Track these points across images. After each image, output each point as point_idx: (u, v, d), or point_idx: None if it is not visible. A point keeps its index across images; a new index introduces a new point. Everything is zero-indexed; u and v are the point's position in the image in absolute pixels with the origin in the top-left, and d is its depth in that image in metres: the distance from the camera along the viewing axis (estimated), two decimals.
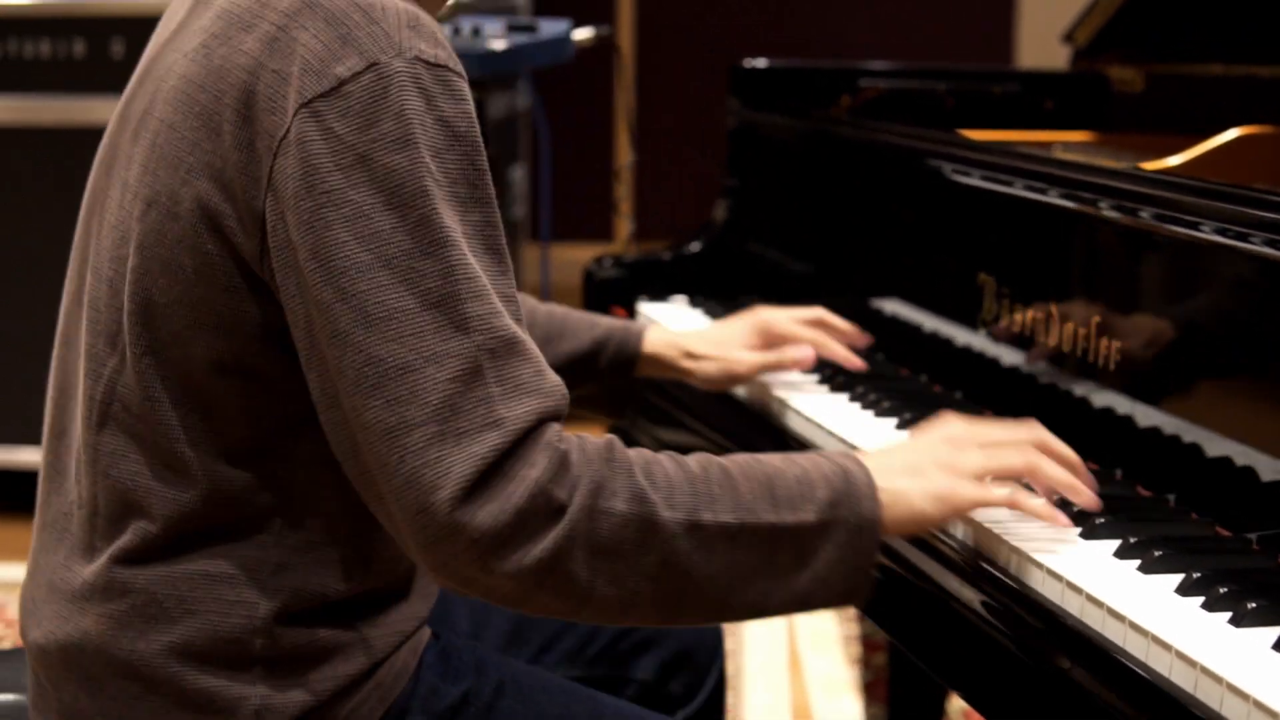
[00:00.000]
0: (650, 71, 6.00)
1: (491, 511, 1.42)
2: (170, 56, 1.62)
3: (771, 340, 2.22)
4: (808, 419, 2.09)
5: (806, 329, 2.23)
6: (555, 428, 1.48)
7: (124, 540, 1.62)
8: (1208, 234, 1.72)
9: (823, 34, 5.92)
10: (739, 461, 1.55)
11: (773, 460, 1.56)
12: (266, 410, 1.58)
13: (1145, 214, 1.82)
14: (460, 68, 1.53)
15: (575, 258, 5.28)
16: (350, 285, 1.45)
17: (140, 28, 4.25)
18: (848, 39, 5.88)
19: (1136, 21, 2.90)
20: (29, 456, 4.42)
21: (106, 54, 4.29)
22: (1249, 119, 2.31)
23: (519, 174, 4.63)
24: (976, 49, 5.54)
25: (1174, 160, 2.34)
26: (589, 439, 1.50)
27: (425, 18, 1.53)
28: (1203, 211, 1.73)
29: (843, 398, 2.16)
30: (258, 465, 1.60)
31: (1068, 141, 2.74)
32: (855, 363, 2.21)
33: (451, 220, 1.47)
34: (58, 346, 1.74)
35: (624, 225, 5.02)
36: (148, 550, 1.61)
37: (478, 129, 1.53)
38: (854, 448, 1.94)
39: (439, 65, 1.50)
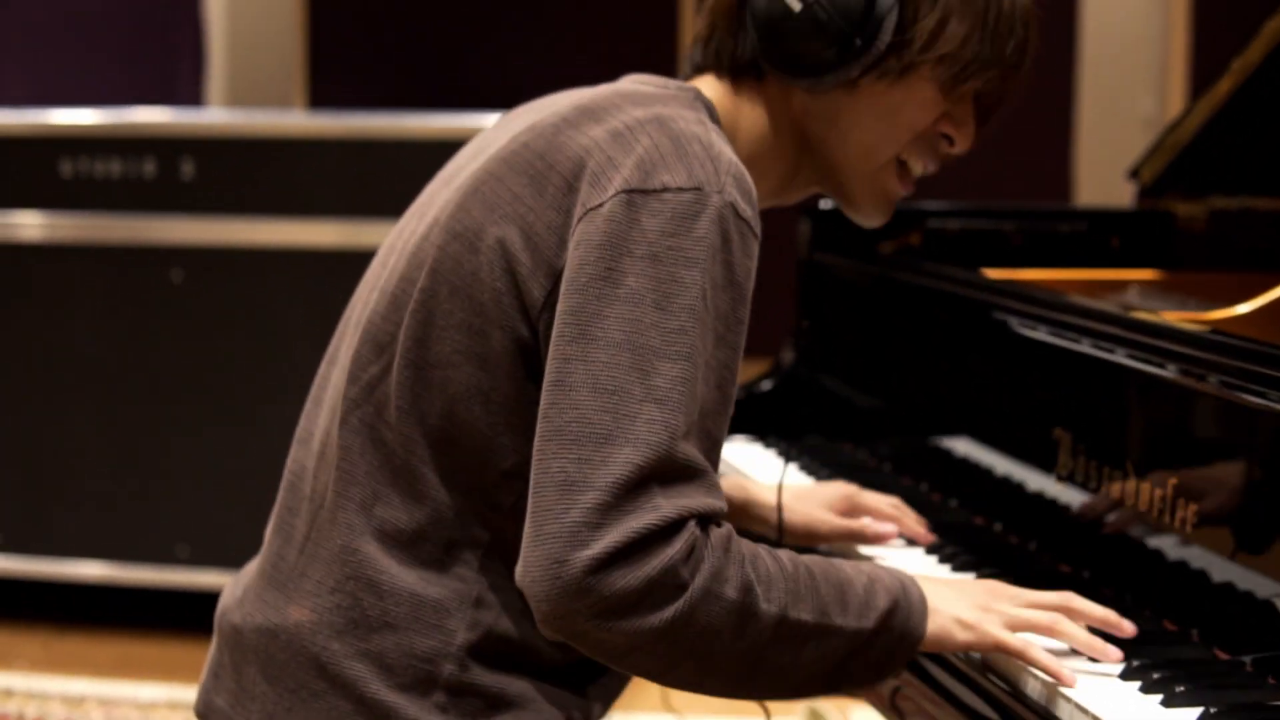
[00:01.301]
0: None
1: (625, 578, 1.56)
2: (513, 128, 1.82)
3: (854, 510, 2.26)
4: None
5: (888, 509, 2.27)
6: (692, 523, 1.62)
7: (348, 533, 1.77)
8: (1276, 403, 1.73)
9: None
10: (818, 563, 1.70)
11: (844, 567, 1.72)
12: (499, 451, 1.73)
13: (1212, 380, 1.84)
14: (759, 230, 1.71)
15: None
16: (594, 352, 1.61)
17: (210, 149, 4.32)
18: None
19: (1201, 158, 2.93)
20: (85, 570, 4.45)
21: (176, 174, 4.35)
22: None
23: None
24: (1036, 184, 5.58)
25: (1242, 309, 2.36)
26: (716, 528, 1.64)
27: (748, 178, 1.71)
28: (1269, 381, 1.75)
29: (918, 551, 2.18)
30: (479, 499, 1.75)
31: (1135, 281, 2.76)
32: (928, 538, 2.25)
33: (700, 344, 1.63)
34: (309, 402, 1.93)
35: None
36: (366, 549, 1.76)
37: (752, 285, 1.71)
38: None
39: (744, 220, 1.68)
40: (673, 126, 1.71)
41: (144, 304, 4.37)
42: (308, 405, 1.93)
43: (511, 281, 1.70)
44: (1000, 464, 2.32)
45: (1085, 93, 5.44)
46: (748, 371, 2.96)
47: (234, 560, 4.27)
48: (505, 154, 1.77)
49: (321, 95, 5.35)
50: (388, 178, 4.25)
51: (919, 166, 1.96)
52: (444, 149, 4.19)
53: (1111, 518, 2.02)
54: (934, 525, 2.25)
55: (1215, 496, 1.86)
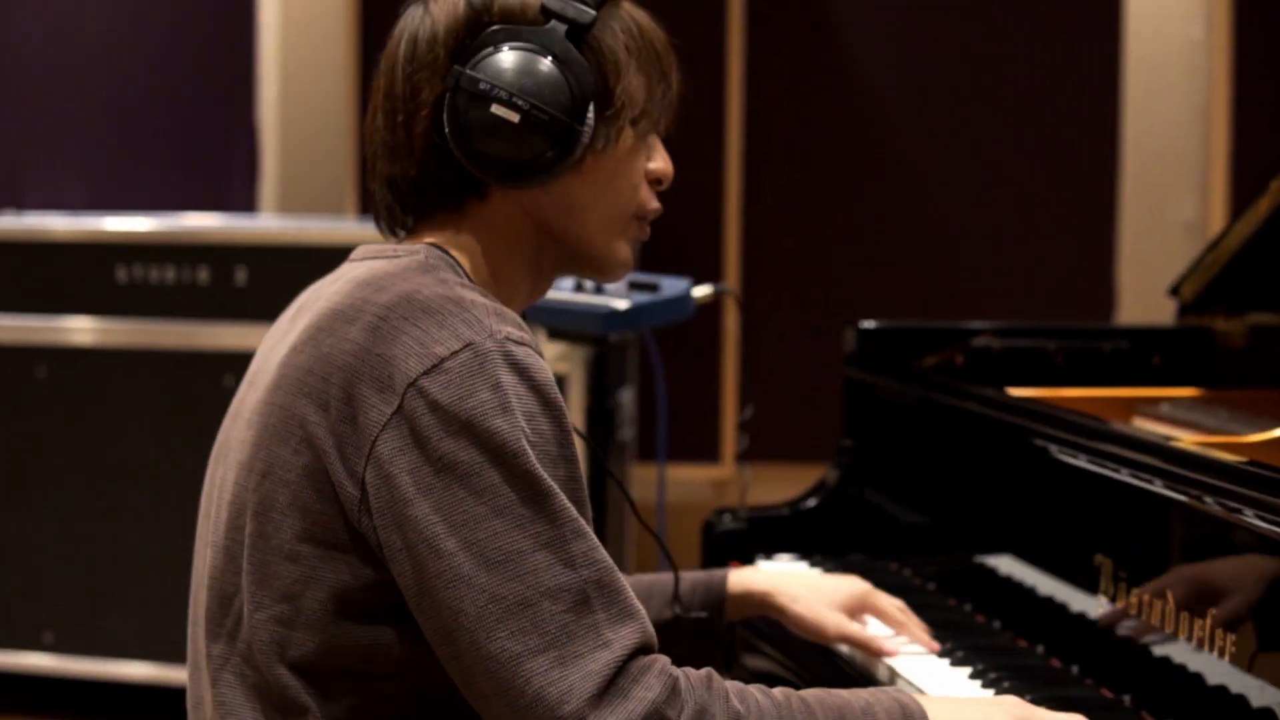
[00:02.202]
0: (759, 321, 6.08)
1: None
2: (279, 355, 1.83)
3: (863, 610, 2.30)
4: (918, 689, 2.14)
5: (896, 617, 2.30)
6: (660, 657, 1.69)
7: None
8: None
9: (924, 287, 5.98)
10: (814, 694, 1.74)
11: (842, 694, 1.75)
12: (366, 651, 1.74)
13: (1249, 515, 1.88)
14: (536, 344, 1.75)
15: (680, 477, 5.36)
16: (471, 534, 1.65)
17: (263, 257, 4.39)
18: (949, 290, 5.94)
19: (1241, 275, 2.96)
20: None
21: (230, 281, 4.42)
22: None
23: (628, 397, 4.72)
24: (1077, 302, 5.61)
25: (1278, 432, 2.40)
26: (690, 670, 1.70)
27: (508, 310, 1.76)
28: None
29: (962, 673, 2.21)
30: (368, 701, 1.76)
31: (1177, 399, 2.79)
32: (934, 646, 2.28)
33: (545, 473, 1.68)
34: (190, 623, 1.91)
35: (730, 446, 5.09)
36: None
37: (560, 397, 1.74)
38: None
39: (524, 344, 1.72)
40: (418, 299, 1.74)
41: (196, 409, 4.43)
42: (189, 623, 1.93)
43: (328, 500, 1.72)
44: (1043, 584, 2.35)
45: (1127, 200, 5.48)
46: (796, 487, 3.00)
47: None
48: (282, 381, 1.78)
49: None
50: None
51: (649, 212, 1.97)
52: None
53: (1152, 643, 2.05)
54: (976, 647, 2.28)
55: (1254, 625, 1.89)
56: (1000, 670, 2.19)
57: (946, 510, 2.70)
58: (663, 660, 1.69)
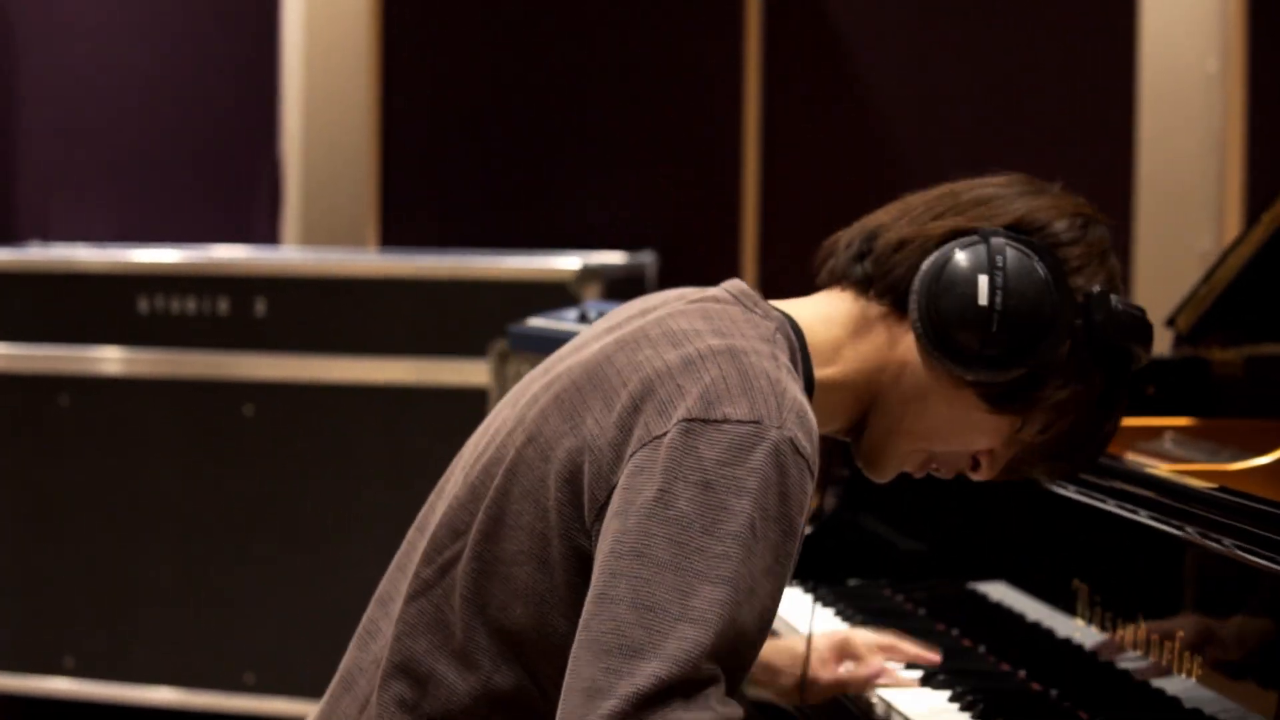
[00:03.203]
0: None
1: None
2: (609, 335, 1.89)
3: (847, 657, 2.32)
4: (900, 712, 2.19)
5: (879, 653, 2.32)
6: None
7: (397, 712, 1.84)
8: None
9: None
10: None
11: None
12: (552, 648, 1.79)
13: (1227, 542, 1.91)
14: (815, 469, 1.76)
15: None
16: (639, 569, 1.68)
17: (282, 288, 4.45)
18: None
19: (1236, 306, 2.99)
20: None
21: (250, 312, 4.48)
22: None
23: None
24: None
25: (1263, 460, 2.43)
26: None
27: (811, 417, 1.77)
28: (1265, 543, 1.82)
29: (942, 695, 2.25)
30: (530, 687, 1.82)
31: (1170, 429, 2.82)
32: (934, 660, 2.32)
33: (745, 571, 1.68)
34: (392, 565, 1.99)
35: None
36: None
37: (804, 521, 1.76)
38: None
39: (802, 456, 1.73)
40: (743, 361, 1.77)
41: (216, 437, 4.50)
42: (391, 568, 2.00)
43: (573, 492, 1.78)
44: (1032, 611, 2.39)
45: (1142, 231, 5.51)
46: None
47: (299, 689, 4.37)
48: (590, 363, 1.85)
49: (395, 235, 5.48)
50: (456, 317, 4.37)
51: (940, 469, 2.00)
52: (511, 289, 4.34)
53: (1125, 667, 2.09)
54: (958, 670, 2.32)
55: (1222, 649, 1.92)
56: (978, 693, 2.23)
57: (942, 537, 2.74)
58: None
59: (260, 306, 4.48)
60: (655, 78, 5.52)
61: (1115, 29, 5.49)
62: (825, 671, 2.29)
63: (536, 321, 3.36)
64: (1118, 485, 2.19)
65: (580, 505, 1.77)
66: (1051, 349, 1.86)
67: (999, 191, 1.95)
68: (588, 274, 4.40)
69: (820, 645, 2.31)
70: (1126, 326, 1.90)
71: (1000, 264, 1.86)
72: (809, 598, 2.74)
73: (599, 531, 1.74)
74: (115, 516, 4.56)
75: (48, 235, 5.47)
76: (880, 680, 2.28)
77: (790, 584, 2.80)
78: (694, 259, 5.40)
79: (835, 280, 1.98)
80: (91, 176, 5.60)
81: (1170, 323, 3.10)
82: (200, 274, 4.55)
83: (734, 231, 5.56)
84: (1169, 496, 2.08)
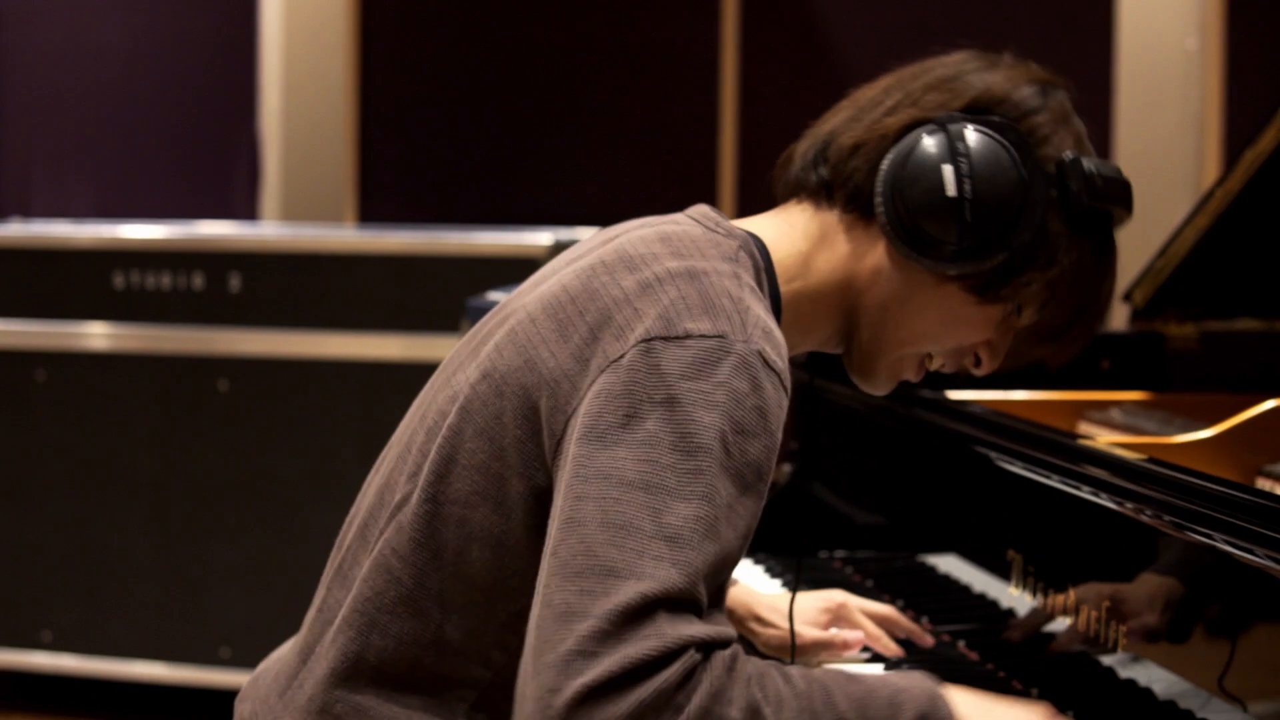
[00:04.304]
0: None
1: (616, 704, 1.53)
2: (564, 270, 1.83)
3: (838, 622, 2.30)
4: None
5: (871, 623, 2.30)
6: (697, 633, 1.57)
7: (341, 658, 1.78)
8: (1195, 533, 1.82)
9: None
10: (837, 679, 1.65)
11: (869, 679, 1.66)
12: (509, 593, 1.74)
13: (1147, 514, 1.93)
14: (788, 384, 1.70)
15: None
16: (607, 490, 1.60)
17: (256, 264, 4.46)
18: None
19: (1193, 281, 3.00)
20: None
21: (224, 288, 4.49)
22: None
23: None
24: None
25: (1205, 434, 2.44)
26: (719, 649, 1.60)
27: (778, 334, 1.71)
28: (1188, 514, 1.84)
29: (877, 667, 2.26)
30: (484, 638, 1.76)
31: (1123, 402, 2.84)
32: (897, 651, 2.30)
33: (720, 487, 1.61)
34: (349, 517, 1.93)
35: None
36: (359, 675, 1.78)
37: (779, 434, 1.68)
38: None
39: (774, 369, 1.67)
40: (703, 281, 1.70)
41: (192, 412, 4.51)
42: (347, 519, 1.94)
43: (532, 429, 1.71)
44: (979, 582, 2.40)
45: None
46: None
47: None
48: (546, 295, 1.77)
49: (374, 211, 5.50)
50: (429, 292, 4.38)
51: (938, 363, 1.93)
52: (484, 265, 4.35)
53: (1060, 639, 2.10)
54: (899, 642, 2.33)
55: (1152, 619, 1.93)
56: (911, 662, 2.24)
57: (894, 509, 2.75)
58: (693, 648, 1.57)
59: (235, 282, 4.49)
60: (633, 55, 5.53)
61: (1094, 6, 5.49)
62: (810, 631, 2.27)
63: (496, 295, 3.37)
64: (1061, 462, 2.20)
65: (540, 442, 1.70)
66: (1030, 228, 1.79)
67: (950, 72, 1.88)
68: (559, 249, 4.41)
69: (808, 605, 2.30)
70: (1103, 189, 1.82)
71: (963, 150, 1.79)
72: (759, 568, 2.76)
73: (559, 465, 1.66)
74: (92, 490, 4.58)
75: (29, 212, 5.49)
76: (863, 646, 2.27)
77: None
78: None
79: (794, 193, 1.91)
80: (73, 154, 5.62)
81: (1126, 297, 3.11)
82: (176, 250, 4.56)
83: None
84: (1101, 469, 2.09)
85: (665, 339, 1.65)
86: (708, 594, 1.60)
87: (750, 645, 2.38)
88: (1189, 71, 5.38)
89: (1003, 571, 2.29)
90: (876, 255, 1.85)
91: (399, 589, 1.77)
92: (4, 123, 5.63)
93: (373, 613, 1.78)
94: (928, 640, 2.31)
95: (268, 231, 5.07)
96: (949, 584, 2.49)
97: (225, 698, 4.50)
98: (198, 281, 4.52)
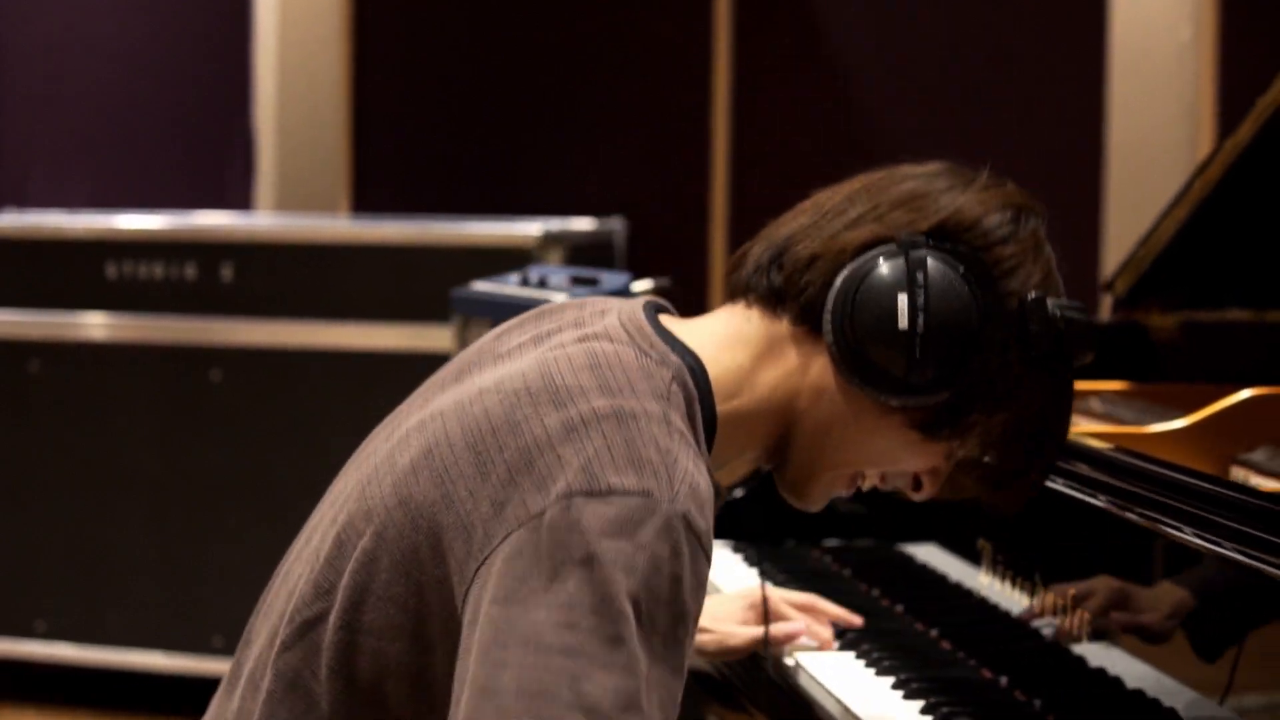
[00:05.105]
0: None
1: None
2: (488, 376, 1.72)
3: (761, 617, 2.28)
4: (806, 670, 2.21)
5: (796, 611, 2.29)
6: None
7: None
8: (1187, 535, 1.83)
9: None
10: None
11: None
12: None
13: (1103, 498, 1.94)
14: (710, 549, 1.61)
15: None
16: (524, 656, 1.52)
17: (249, 254, 4.48)
18: None
19: (1175, 271, 3.01)
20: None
21: (216, 278, 4.51)
22: None
23: None
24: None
25: (1179, 423, 2.45)
26: None
27: (705, 491, 1.61)
28: (1155, 505, 1.85)
29: (848, 655, 2.27)
30: None
31: (1102, 392, 2.84)
32: (855, 621, 2.30)
33: (642, 656, 1.54)
34: (263, 597, 1.87)
35: None
36: None
37: (699, 605, 1.61)
38: (843, 703, 2.06)
39: (695, 533, 1.58)
40: (630, 428, 1.60)
41: (183, 401, 4.53)
42: (262, 600, 1.87)
43: (446, 571, 1.62)
44: (955, 572, 2.41)
45: (1112, 200, 5.51)
46: None
47: None
48: (467, 417, 1.67)
49: (367, 201, 5.51)
50: (422, 282, 4.40)
51: (874, 483, 1.85)
52: (478, 255, 4.36)
53: (1035, 628, 2.11)
54: (871, 630, 2.34)
55: (1123, 610, 1.95)
56: (885, 650, 2.25)
57: (875, 499, 2.76)
58: None
59: (227, 272, 4.51)
60: (626, 45, 5.54)
61: None
62: (743, 631, 2.28)
63: (481, 286, 3.38)
64: None
65: (452, 585, 1.62)
66: (982, 369, 1.70)
67: (920, 187, 1.77)
68: (550, 239, 4.43)
69: (733, 607, 2.29)
70: (1066, 331, 1.72)
71: (921, 280, 1.70)
72: (738, 556, 2.77)
73: (466, 615, 1.59)
74: (85, 481, 4.60)
75: (26, 203, 5.50)
76: (800, 640, 2.27)
77: (727, 544, 2.83)
78: (663, 225, 5.43)
79: (744, 294, 1.80)
80: (68, 145, 5.64)
81: (1108, 286, 3.11)
82: (168, 240, 4.58)
83: (703, 198, 5.58)
84: (1071, 460, 2.10)
85: (587, 494, 1.56)
86: None
87: None
88: (1182, 62, 5.38)
89: (975, 560, 2.30)
90: (822, 374, 1.75)
91: (317, 713, 1.70)
92: (0, 115, 5.65)
93: None
94: (856, 621, 2.29)
95: (260, 221, 5.09)
96: (926, 573, 2.50)
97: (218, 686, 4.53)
98: (190, 271, 4.54)
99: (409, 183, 5.55)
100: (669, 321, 1.79)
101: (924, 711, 2.03)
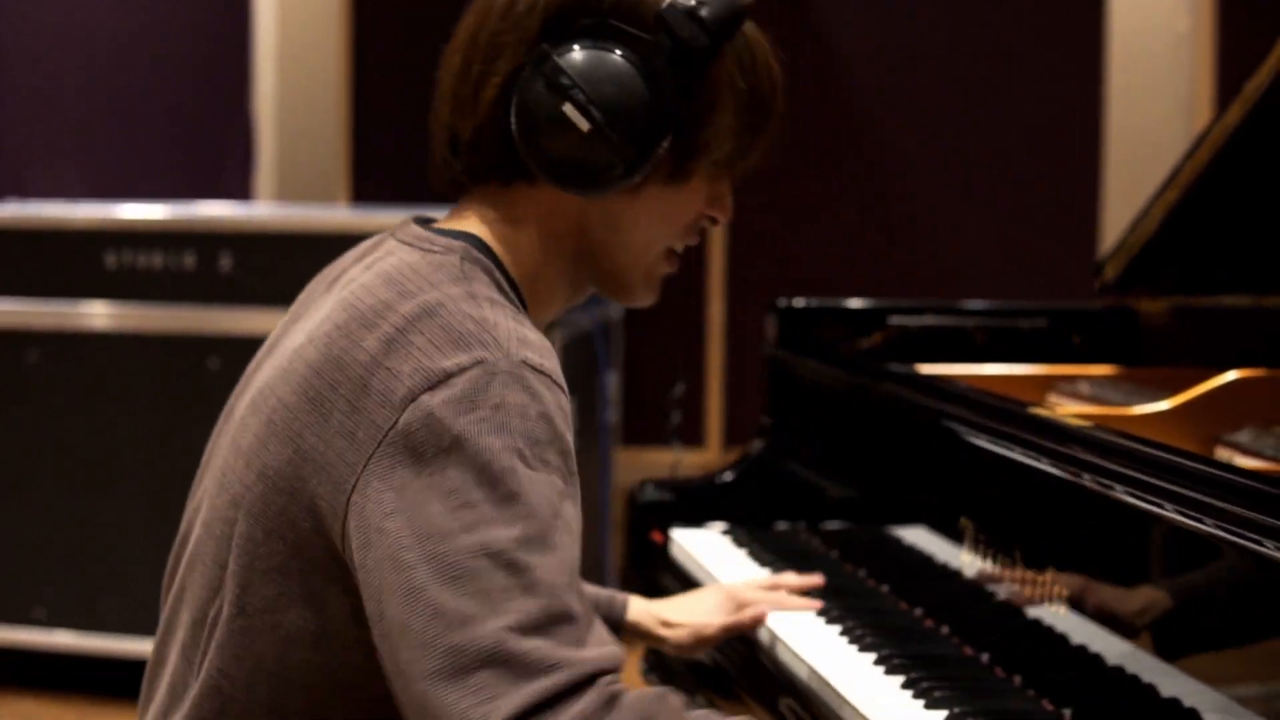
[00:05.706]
0: (742, 303, 6.12)
1: None
2: (296, 337, 1.77)
3: (737, 606, 2.35)
4: (791, 649, 2.22)
5: (765, 593, 2.36)
6: (610, 676, 1.57)
7: None
8: (1169, 512, 1.84)
9: (908, 278, 5.99)
10: None
11: None
12: (345, 689, 1.71)
13: (1091, 479, 1.95)
14: (562, 380, 1.67)
15: (664, 461, 5.43)
16: (432, 548, 1.56)
17: (247, 243, 4.49)
18: (933, 281, 5.95)
19: (1164, 256, 3.01)
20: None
21: (215, 267, 4.52)
22: (1274, 351, 2.43)
23: (612, 380, 4.81)
24: (1060, 294, 5.66)
25: (1164, 405, 2.46)
26: (645, 689, 1.61)
27: (534, 337, 1.67)
28: (1132, 481, 1.86)
29: (833, 630, 2.29)
30: None
31: (1091, 376, 2.85)
32: (817, 582, 2.40)
33: (538, 500, 1.58)
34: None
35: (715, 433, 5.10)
36: None
37: (568, 430, 1.65)
38: (825, 678, 2.08)
39: (543, 372, 1.64)
40: (442, 315, 1.66)
41: (181, 391, 4.54)
42: (165, 595, 1.90)
43: (318, 518, 1.66)
44: (942, 553, 2.42)
45: (1110, 192, 5.52)
46: (720, 461, 3.07)
47: None
48: (292, 375, 1.71)
49: (367, 191, 5.52)
50: None
51: (684, 246, 1.90)
52: None
53: (1014, 604, 2.12)
54: (854, 608, 2.36)
55: (1100, 586, 1.96)
56: (868, 627, 2.26)
57: (863, 482, 2.77)
58: (607, 678, 1.57)
59: (226, 261, 4.52)
60: None
61: None
62: (716, 620, 2.33)
63: None
64: (1010, 429, 2.22)
65: (328, 528, 1.65)
66: (675, 97, 1.73)
67: (501, 3, 1.79)
68: None
69: (708, 602, 2.35)
70: (711, 16, 1.75)
71: (567, 81, 1.72)
72: (727, 539, 2.78)
73: (352, 548, 1.62)
74: (83, 468, 4.61)
75: (25, 193, 5.52)
76: (769, 612, 2.32)
77: (723, 526, 2.84)
78: None
79: (460, 189, 1.85)
80: (67, 135, 5.65)
81: (1097, 271, 3.12)
82: (167, 229, 4.59)
83: None
84: (1048, 437, 2.11)
85: (429, 389, 1.60)
86: (572, 599, 1.58)
87: (660, 655, 2.45)
88: (1180, 54, 5.39)
89: (957, 539, 2.31)
90: (564, 205, 1.80)
91: (235, 707, 1.73)
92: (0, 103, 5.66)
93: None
94: (817, 581, 2.39)
95: (258, 211, 5.09)
96: (913, 554, 2.51)
97: None
98: (189, 261, 4.54)
99: (408, 173, 5.56)
100: (438, 223, 1.85)
101: (905, 686, 2.04)
